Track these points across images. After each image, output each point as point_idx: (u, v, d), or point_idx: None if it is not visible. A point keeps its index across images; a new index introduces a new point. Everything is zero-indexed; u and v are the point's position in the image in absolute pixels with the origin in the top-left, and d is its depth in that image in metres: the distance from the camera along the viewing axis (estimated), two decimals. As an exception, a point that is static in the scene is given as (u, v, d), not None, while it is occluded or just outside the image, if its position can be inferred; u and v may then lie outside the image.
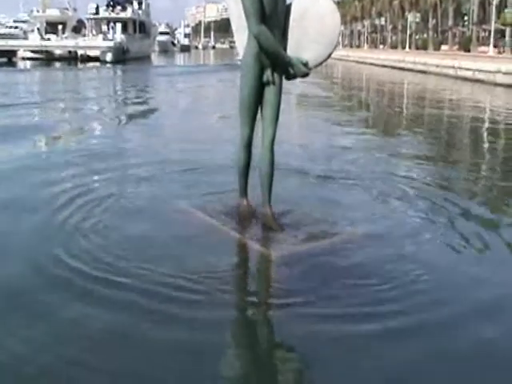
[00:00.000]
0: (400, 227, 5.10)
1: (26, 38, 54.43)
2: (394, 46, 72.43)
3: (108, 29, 55.41)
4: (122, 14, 60.55)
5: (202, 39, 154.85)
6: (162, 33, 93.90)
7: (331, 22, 4.67)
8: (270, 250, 4.42)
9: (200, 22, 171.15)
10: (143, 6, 67.73)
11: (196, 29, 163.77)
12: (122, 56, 49.55)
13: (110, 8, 61.29)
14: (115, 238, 4.67)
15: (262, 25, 4.41)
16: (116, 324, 3.33)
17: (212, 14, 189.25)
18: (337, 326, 3.38)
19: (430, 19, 64.45)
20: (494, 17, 43.55)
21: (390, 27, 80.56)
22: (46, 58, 49.84)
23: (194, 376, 2.86)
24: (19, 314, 3.47)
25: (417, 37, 69.24)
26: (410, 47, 63.23)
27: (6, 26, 62.89)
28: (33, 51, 51.44)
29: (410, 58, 43.77)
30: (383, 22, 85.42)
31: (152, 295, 3.64)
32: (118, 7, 61.33)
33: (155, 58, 65.88)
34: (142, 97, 20.16)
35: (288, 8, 4.73)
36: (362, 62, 54.62)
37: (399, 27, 74.05)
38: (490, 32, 44.76)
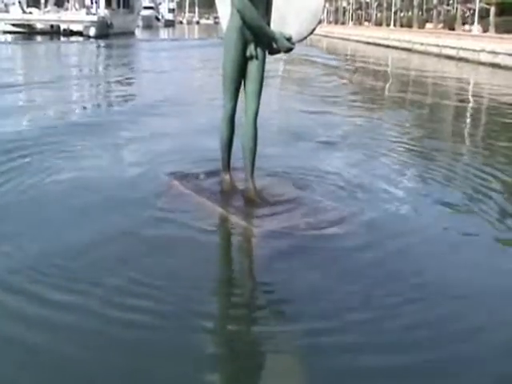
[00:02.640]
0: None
1: (7, 11, 53.47)
2: (378, 24, 72.16)
3: (92, 3, 54.57)
4: (106, -12, 59.62)
5: (187, 14, 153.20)
6: (146, 7, 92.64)
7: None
8: (251, 227, 4.43)
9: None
10: (128, -20, 66.74)
11: (180, 4, 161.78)
12: (105, 30, 48.95)
13: (94, -18, 60.23)
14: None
15: None
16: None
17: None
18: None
19: (416, -4, 64.18)
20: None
21: (375, 4, 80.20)
22: (28, 32, 49.12)
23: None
24: None
25: (402, 14, 68.96)
26: (394, 25, 63.02)
27: None
28: (14, 25, 50.60)
29: (394, 35, 43.67)
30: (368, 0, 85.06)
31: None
32: (102, -19, 60.31)
33: (139, 33, 65.20)
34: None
35: None
36: (346, 39, 54.27)
37: (384, 4, 73.71)
38: (474, 11, 44.77)
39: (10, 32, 48.98)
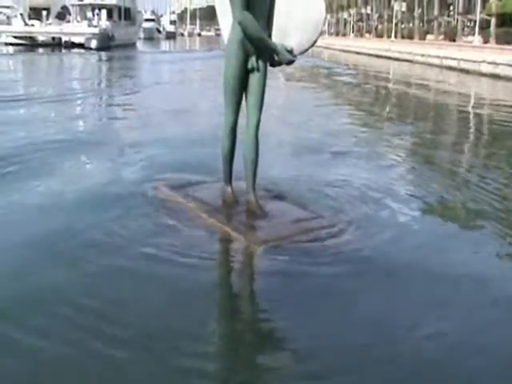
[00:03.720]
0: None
1: (9, 24, 53.73)
2: (379, 35, 72.38)
3: (93, 15, 54.82)
4: (107, 1, 59.82)
5: (188, 26, 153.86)
6: (147, 19, 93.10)
7: (317, 9, 4.69)
8: (252, 241, 4.37)
9: (186, 8, 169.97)
10: (129, -7, 66.99)
11: (182, 16, 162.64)
12: (107, 43, 49.15)
13: (95, -5, 60.45)
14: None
15: (247, 11, 4.40)
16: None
17: (198, 1, 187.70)
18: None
19: (416, 8, 64.40)
20: (479, 7, 43.64)
21: (375, 16, 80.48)
22: (30, 44, 49.38)
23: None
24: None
25: (403, 26, 69.19)
26: (395, 36, 63.21)
27: None
28: (16, 37, 50.86)
29: (395, 47, 43.84)
30: (369, 11, 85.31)
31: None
32: (103, -7, 60.57)
33: (141, 45, 65.41)
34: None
35: None
36: (347, 51, 54.45)
37: (385, 16, 73.99)
38: (475, 22, 44.90)
39: (12, 44, 49.27)
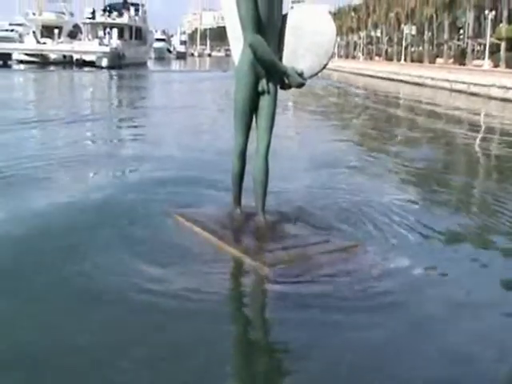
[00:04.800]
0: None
1: (21, 41, 54.26)
2: (389, 58, 72.63)
3: (104, 34, 55.27)
4: (119, 20, 60.37)
5: (198, 47, 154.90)
6: (158, 39, 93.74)
7: (327, 32, 4.68)
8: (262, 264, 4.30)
9: (196, 29, 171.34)
10: (140, 12, 67.59)
11: (192, 36, 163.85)
12: (117, 61, 49.56)
13: (107, 13, 61.03)
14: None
15: (258, 34, 4.42)
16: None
17: (208, 21, 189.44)
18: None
19: (426, 32, 64.66)
20: (489, 31, 43.77)
21: (385, 39, 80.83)
22: (41, 62, 49.88)
23: None
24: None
25: (412, 49, 69.45)
26: (405, 59, 63.41)
27: (1, 29, 62.33)
28: (28, 54, 51.39)
29: (405, 70, 44.02)
30: (379, 34, 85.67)
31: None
32: (115, 13, 61.04)
33: (151, 65, 65.83)
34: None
35: (284, 18, 4.74)
36: (357, 74, 54.69)
37: (395, 39, 74.32)
38: (485, 46, 44.99)
39: (24, 61, 49.76)
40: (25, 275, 4.04)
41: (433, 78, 35.88)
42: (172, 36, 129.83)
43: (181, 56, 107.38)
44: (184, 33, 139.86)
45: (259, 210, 4.85)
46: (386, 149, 10.99)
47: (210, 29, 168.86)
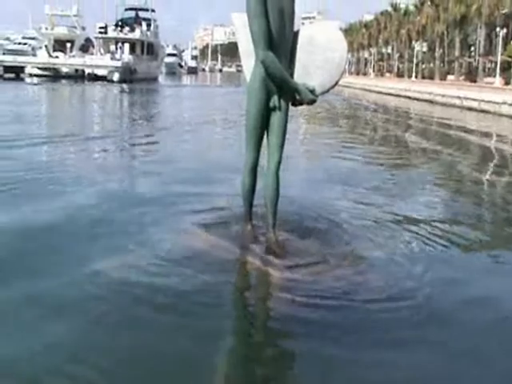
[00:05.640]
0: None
1: (34, 55, 54.69)
2: (400, 75, 72.75)
3: (116, 48, 55.59)
4: (131, 35, 60.71)
5: (209, 62, 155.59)
6: (169, 54, 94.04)
7: (338, 49, 4.66)
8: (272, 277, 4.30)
9: (207, 44, 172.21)
10: (152, 28, 68.03)
11: (203, 51, 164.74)
12: (128, 76, 49.85)
13: (119, 28, 61.42)
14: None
15: (269, 50, 4.42)
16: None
17: (220, 37, 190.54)
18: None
19: (437, 49, 64.80)
20: (500, 48, 43.77)
21: (396, 56, 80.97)
22: (53, 75, 50.28)
23: None
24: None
25: (423, 66, 69.57)
26: (416, 76, 63.51)
27: (15, 43, 63.03)
28: (40, 68, 51.80)
29: (415, 87, 44.07)
30: (390, 51, 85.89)
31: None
32: (127, 28, 61.41)
33: (162, 79, 66.09)
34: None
35: (296, 34, 4.73)
36: (368, 90, 54.82)
37: (406, 56, 74.47)
38: (496, 63, 44.98)
39: (36, 75, 50.21)
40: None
41: (443, 95, 35.90)
42: (183, 51, 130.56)
43: (192, 71, 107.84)
44: (195, 48, 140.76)
45: (270, 226, 4.83)
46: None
47: (220, 44, 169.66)
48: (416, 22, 70.00)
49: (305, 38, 4.75)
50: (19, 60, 50.50)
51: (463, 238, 5.67)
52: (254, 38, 4.46)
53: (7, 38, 64.23)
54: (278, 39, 4.49)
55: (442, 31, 63.07)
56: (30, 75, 50.65)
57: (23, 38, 64.53)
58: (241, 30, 4.85)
